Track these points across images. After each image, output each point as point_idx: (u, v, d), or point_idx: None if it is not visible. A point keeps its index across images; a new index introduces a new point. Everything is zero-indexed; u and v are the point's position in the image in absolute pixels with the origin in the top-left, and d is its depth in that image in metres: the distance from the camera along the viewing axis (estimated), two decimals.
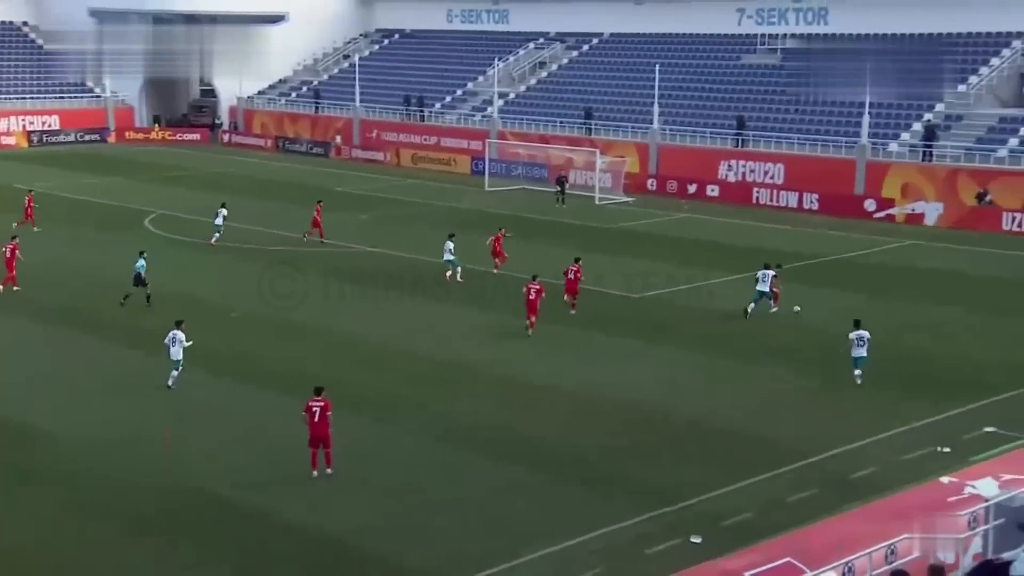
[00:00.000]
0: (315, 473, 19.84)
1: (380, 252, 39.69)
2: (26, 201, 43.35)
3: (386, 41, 78.75)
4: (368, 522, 18.34)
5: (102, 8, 72.90)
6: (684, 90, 59.19)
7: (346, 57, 77.11)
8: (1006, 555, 12.51)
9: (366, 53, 76.69)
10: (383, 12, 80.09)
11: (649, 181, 54.98)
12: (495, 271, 35.08)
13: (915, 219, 46.98)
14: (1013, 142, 47.92)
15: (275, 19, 74.32)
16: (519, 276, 33.82)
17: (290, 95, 76.14)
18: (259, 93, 76.93)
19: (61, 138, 71.86)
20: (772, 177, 52.06)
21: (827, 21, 58.93)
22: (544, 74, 67.69)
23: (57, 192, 51.11)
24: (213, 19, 73.37)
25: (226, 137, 74.67)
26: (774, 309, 30.70)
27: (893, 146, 50.48)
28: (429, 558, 17.22)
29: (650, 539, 17.58)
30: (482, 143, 60.23)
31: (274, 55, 72.48)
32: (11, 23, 77.86)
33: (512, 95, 65.93)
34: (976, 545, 14.49)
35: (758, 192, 51.63)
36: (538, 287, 29.00)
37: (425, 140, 65.39)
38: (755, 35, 60.87)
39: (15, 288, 32.93)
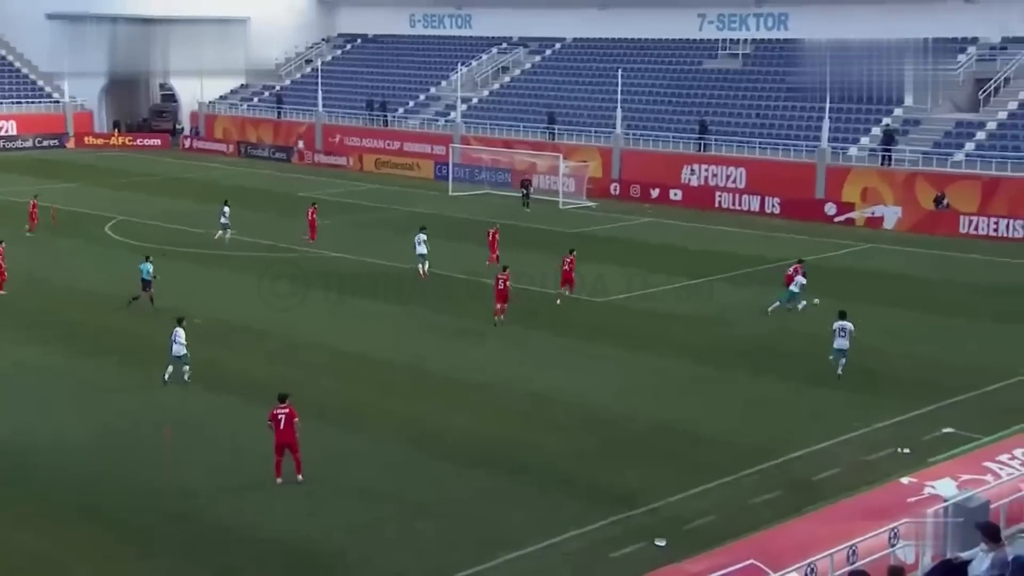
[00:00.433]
0: (279, 480, 19.71)
1: (342, 257, 39.54)
2: (30, 206, 43.60)
3: (349, 46, 78.52)
4: (336, 529, 18.23)
5: (59, 12, 72.11)
6: (647, 95, 59.51)
7: (308, 62, 76.79)
8: (964, 554, 12.67)
9: (328, 58, 76.43)
10: (345, 17, 79.85)
11: (612, 185, 55.21)
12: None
13: (875, 223, 47.52)
14: (969, 147, 48.62)
15: (236, 23, 73.85)
16: (484, 282, 33.86)
17: (252, 100, 75.68)
18: (220, 98, 76.43)
19: (19, 144, 70.97)
20: (734, 181, 52.45)
21: (787, 26, 59.54)
22: (507, 79, 67.79)
23: (13, 199, 50.46)
24: (173, 23, 72.79)
25: (187, 142, 74.12)
26: (803, 304, 31.07)
27: (853, 150, 51.05)
28: (395, 565, 17.14)
29: (615, 543, 17.64)
30: (445, 148, 60.22)
31: (235, 60, 72.01)
32: None
33: (475, 100, 65.96)
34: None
35: (720, 196, 51.99)
36: (506, 277, 30.26)
37: (388, 145, 65.25)
38: (716, 40, 61.36)
39: (1, 292, 33.04)
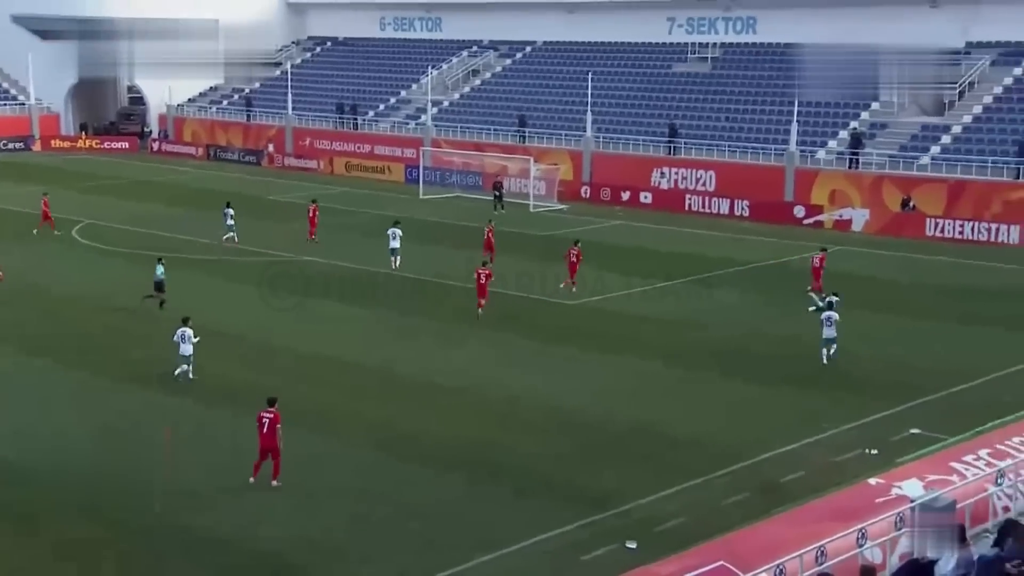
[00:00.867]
0: (252, 480, 19.67)
1: (312, 261, 39.40)
2: (42, 204, 43.51)
3: (318, 49, 78.26)
4: (310, 534, 18.17)
5: (25, 14, 71.38)
6: (617, 98, 59.71)
7: (278, 65, 76.46)
8: (930, 554, 12.81)
9: (298, 61, 76.14)
10: (315, 20, 79.60)
11: (583, 188, 55.35)
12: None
13: (843, 225, 47.92)
14: (935, 150, 49.14)
15: (205, 26, 73.36)
16: (449, 283, 33.90)
17: (221, 103, 75.26)
18: (189, 101, 75.94)
19: None
20: (704, 184, 52.73)
21: (755, 30, 59.98)
22: (478, 82, 67.81)
23: None
24: (142, 25, 72.17)
25: (155, 145, 73.58)
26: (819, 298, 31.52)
27: (821, 153, 51.45)
28: (370, 569, 17.12)
29: (586, 545, 17.69)
30: (416, 151, 60.15)
31: (204, 62, 71.54)
32: None
33: (446, 103, 65.92)
34: (903, 545, 14.81)
35: (690, 199, 52.24)
36: (488, 272, 31.36)
37: (359, 148, 65.09)
38: (686, 44, 61.69)
39: None
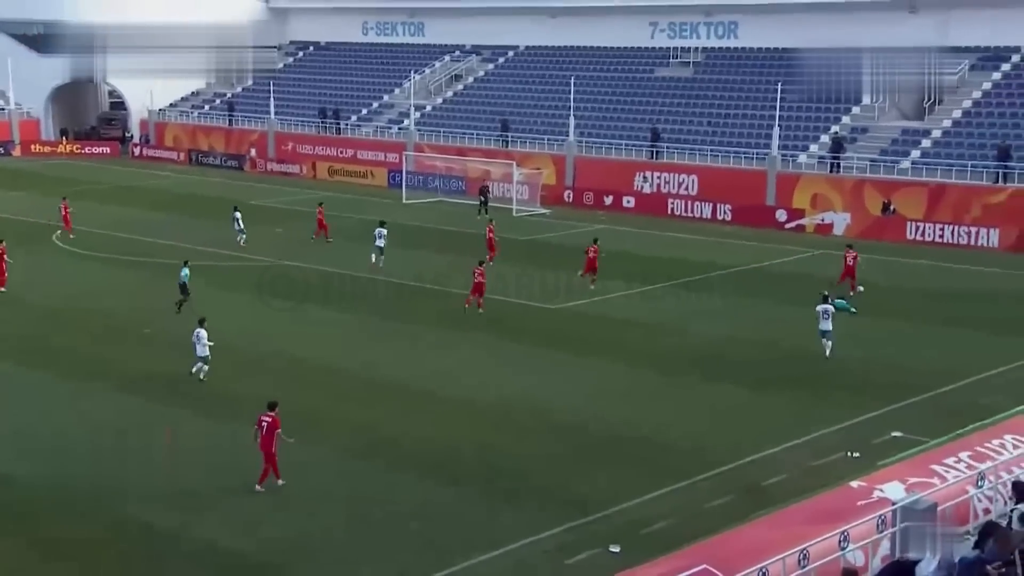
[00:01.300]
0: (259, 487, 19.74)
1: (295, 265, 39.32)
2: (61, 209, 43.65)
3: (301, 53, 78.13)
4: (292, 539, 18.15)
5: (5, 19, 70.97)
6: (599, 102, 59.85)
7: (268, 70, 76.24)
8: (912, 556, 12.90)
9: (280, 65, 75.97)
10: (297, 24, 79.47)
11: (566, 193, 55.43)
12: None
13: (824, 229, 48.16)
14: (915, 154, 49.45)
15: (187, 30, 73.06)
16: (431, 287, 33.90)
17: (203, 108, 75.03)
18: (171, 105, 75.68)
19: None
20: (686, 188, 52.90)
21: (737, 35, 60.22)
22: (460, 87, 67.84)
23: None
24: (121, 29, 71.84)
25: (137, 150, 73.28)
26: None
27: (802, 158, 51.70)
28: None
29: (570, 549, 17.73)
30: (399, 156, 60.14)
31: (185, 67, 71.24)
32: None
33: (428, 107, 65.92)
34: (885, 547, 14.90)
35: (673, 203, 52.40)
36: (481, 271, 32.42)
37: (341, 153, 65.01)
38: (668, 48, 61.90)
39: (2, 289, 33.60)
